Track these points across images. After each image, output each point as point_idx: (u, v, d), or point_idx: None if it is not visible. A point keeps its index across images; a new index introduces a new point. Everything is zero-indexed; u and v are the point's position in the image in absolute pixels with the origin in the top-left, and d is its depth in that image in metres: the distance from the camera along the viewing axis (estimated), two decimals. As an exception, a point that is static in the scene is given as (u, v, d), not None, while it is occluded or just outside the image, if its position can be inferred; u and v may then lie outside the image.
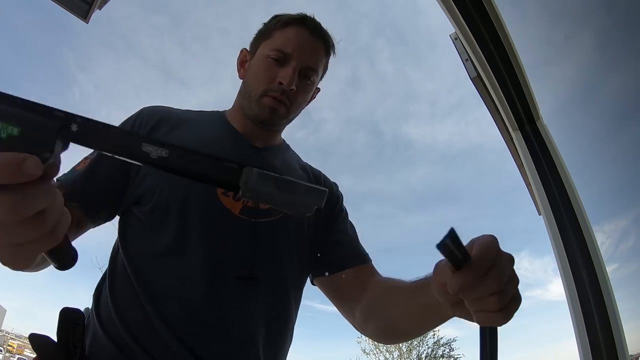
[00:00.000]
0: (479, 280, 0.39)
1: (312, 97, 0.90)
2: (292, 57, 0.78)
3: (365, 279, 0.79)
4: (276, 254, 0.74)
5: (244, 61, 0.88)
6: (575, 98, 1.25)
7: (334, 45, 0.86)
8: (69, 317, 0.62)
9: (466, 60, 1.40)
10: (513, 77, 1.25)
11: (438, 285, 0.42)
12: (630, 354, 1.06)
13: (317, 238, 0.83)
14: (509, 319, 0.42)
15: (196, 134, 0.79)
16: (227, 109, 0.90)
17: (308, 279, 0.85)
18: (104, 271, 0.74)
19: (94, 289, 0.72)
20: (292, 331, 0.79)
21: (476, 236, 0.42)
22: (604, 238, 1.24)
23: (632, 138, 0.87)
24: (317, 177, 0.93)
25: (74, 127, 0.31)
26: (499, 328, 0.44)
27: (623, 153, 0.96)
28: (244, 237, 0.71)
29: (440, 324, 0.60)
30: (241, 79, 0.87)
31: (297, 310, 0.81)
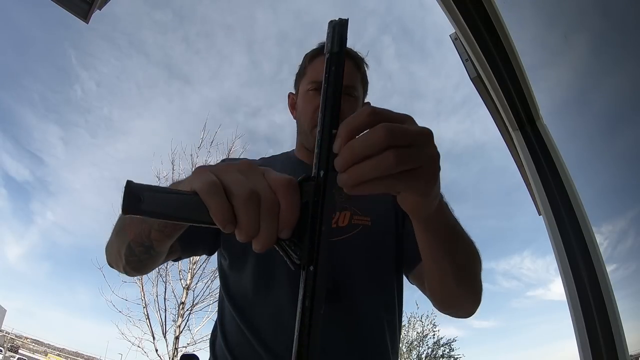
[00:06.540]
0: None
1: None
2: None
3: None
4: (353, 265, 0.78)
5: (293, 103, 0.95)
6: (575, 98, 1.25)
7: (362, 58, 0.90)
8: None
9: (466, 60, 1.40)
10: (513, 78, 1.25)
11: None
12: (630, 354, 1.06)
13: (399, 235, 0.84)
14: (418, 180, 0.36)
15: None
16: (293, 149, 0.97)
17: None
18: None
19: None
20: (393, 331, 0.79)
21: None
22: (604, 238, 1.24)
23: (632, 138, 0.87)
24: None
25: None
26: None
27: (623, 153, 0.96)
28: None
29: (433, 236, 0.54)
30: (295, 119, 0.94)
31: (396, 310, 0.81)
